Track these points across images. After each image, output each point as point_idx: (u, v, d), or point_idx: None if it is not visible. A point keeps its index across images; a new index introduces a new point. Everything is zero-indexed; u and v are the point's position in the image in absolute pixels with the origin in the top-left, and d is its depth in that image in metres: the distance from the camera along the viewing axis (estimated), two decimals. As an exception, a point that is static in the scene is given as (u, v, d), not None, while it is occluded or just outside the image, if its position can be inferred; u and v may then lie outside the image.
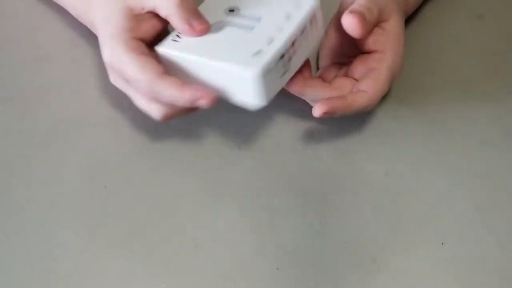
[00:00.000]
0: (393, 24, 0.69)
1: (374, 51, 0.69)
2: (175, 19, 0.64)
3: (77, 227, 0.66)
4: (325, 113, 0.66)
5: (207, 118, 0.72)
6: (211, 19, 0.65)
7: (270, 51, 0.61)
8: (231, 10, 0.66)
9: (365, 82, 0.67)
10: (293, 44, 0.63)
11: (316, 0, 0.65)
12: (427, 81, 0.76)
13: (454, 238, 0.67)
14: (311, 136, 0.72)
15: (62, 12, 0.77)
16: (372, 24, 0.68)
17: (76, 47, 0.75)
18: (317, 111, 0.66)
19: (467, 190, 0.69)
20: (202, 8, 0.66)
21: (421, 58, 0.77)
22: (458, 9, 0.81)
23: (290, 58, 0.63)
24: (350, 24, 0.66)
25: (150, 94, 0.63)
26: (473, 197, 0.69)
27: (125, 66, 0.63)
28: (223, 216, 0.67)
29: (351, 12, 0.66)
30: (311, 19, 0.64)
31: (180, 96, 0.62)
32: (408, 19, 0.79)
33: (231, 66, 0.61)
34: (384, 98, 0.74)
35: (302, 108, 0.71)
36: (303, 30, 0.64)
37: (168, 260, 0.65)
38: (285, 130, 0.72)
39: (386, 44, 0.69)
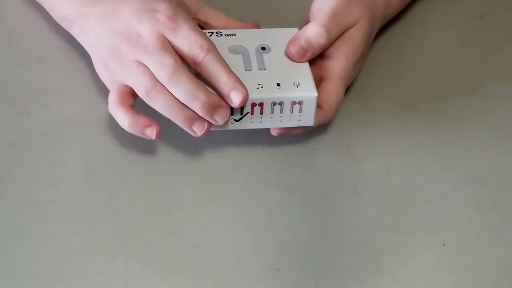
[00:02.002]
0: (354, 32, 0.69)
1: (327, 56, 0.69)
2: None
3: (77, 227, 0.66)
4: (282, 133, 0.68)
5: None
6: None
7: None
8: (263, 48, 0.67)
9: (319, 98, 0.67)
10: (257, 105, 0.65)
11: (314, 98, 0.65)
12: (427, 81, 0.76)
13: (454, 238, 0.67)
14: (311, 136, 0.72)
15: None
16: (327, 45, 0.68)
17: (75, 48, 0.75)
18: (274, 131, 0.68)
19: (467, 190, 0.69)
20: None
21: (421, 58, 0.77)
22: (458, 9, 0.81)
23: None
24: (289, 53, 0.67)
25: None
26: (474, 197, 0.69)
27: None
28: (223, 216, 0.67)
29: (294, 40, 0.67)
30: (294, 103, 0.65)
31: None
32: (408, 19, 0.79)
33: (297, 93, 0.64)
34: (384, 98, 0.74)
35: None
36: (278, 103, 0.65)
37: (167, 260, 0.64)
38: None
39: (340, 51, 0.69)
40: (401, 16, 0.79)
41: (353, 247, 0.66)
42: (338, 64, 0.68)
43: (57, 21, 0.72)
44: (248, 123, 0.66)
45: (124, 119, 0.65)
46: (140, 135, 0.65)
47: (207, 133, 0.65)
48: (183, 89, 0.63)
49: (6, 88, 0.73)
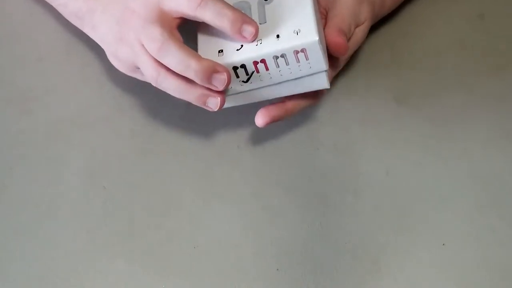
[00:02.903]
0: (359, 32, 0.70)
1: None
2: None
3: (76, 227, 0.66)
4: (267, 123, 0.66)
5: (207, 118, 0.72)
6: None
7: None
8: None
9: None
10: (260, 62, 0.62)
11: (316, 42, 0.61)
12: (427, 81, 0.76)
13: (455, 238, 0.67)
14: (311, 136, 0.72)
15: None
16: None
17: (76, 47, 0.75)
18: (260, 121, 0.66)
19: (467, 190, 0.69)
20: None
21: (421, 58, 0.77)
22: (458, 9, 0.81)
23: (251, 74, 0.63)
24: (341, 44, 0.66)
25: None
26: (474, 197, 0.69)
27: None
28: (222, 216, 0.67)
29: (340, 31, 0.66)
30: (298, 52, 0.62)
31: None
32: (408, 19, 0.79)
33: (297, 41, 0.60)
34: (384, 98, 0.74)
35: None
36: (280, 56, 0.62)
37: (167, 260, 0.65)
38: (285, 130, 0.72)
39: None
40: (401, 15, 0.79)
41: (353, 247, 0.66)
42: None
43: (69, 19, 0.72)
44: (258, 82, 0.63)
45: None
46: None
47: (223, 105, 0.63)
48: (174, 60, 0.62)
49: (6, 88, 0.73)
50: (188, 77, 0.62)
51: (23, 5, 0.76)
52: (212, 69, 0.62)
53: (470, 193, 0.69)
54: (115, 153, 0.70)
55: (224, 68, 0.62)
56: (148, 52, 0.63)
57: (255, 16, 0.63)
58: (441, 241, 0.66)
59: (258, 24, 0.63)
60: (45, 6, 0.76)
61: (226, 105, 0.64)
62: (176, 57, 0.62)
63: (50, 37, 0.73)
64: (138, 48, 0.63)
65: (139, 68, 0.65)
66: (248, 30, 0.62)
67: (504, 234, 0.67)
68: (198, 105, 0.64)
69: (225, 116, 0.72)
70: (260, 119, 0.66)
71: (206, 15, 0.62)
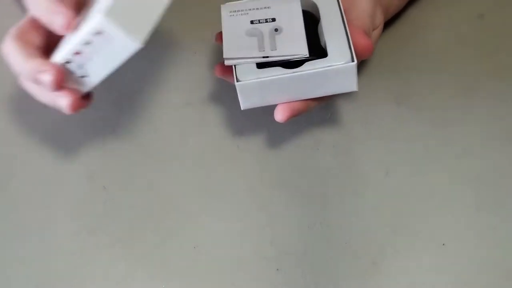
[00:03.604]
0: (374, 35, 0.71)
1: None
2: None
3: (76, 227, 0.66)
4: (288, 117, 0.66)
5: (207, 118, 0.72)
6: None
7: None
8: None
9: None
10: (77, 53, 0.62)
11: (105, 18, 0.58)
12: (427, 81, 0.76)
13: (454, 238, 0.67)
14: (311, 136, 0.72)
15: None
16: None
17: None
18: (279, 116, 0.65)
19: (467, 190, 0.69)
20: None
21: (421, 58, 0.77)
22: (458, 9, 0.81)
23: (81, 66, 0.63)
24: (368, 46, 0.66)
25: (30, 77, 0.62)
26: (474, 197, 0.69)
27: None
28: (222, 216, 0.67)
29: (366, 34, 0.66)
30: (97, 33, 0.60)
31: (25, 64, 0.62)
32: (408, 19, 0.79)
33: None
34: (384, 98, 0.74)
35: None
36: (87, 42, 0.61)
37: (167, 260, 0.65)
38: (285, 130, 0.72)
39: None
40: (400, 16, 0.79)
41: (353, 247, 0.66)
42: None
43: None
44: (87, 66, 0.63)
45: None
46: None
47: (76, 108, 0.63)
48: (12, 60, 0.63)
49: (6, 88, 0.73)
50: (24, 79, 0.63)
51: (23, 5, 0.76)
52: (37, 70, 0.62)
53: (470, 193, 0.69)
54: (115, 153, 0.70)
55: (50, 66, 0.61)
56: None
57: (267, 45, 0.65)
58: (441, 241, 0.66)
59: (270, 51, 0.64)
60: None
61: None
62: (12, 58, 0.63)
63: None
64: None
65: None
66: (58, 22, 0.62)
67: (504, 234, 0.67)
68: (50, 106, 0.64)
69: (225, 116, 0.72)
70: (280, 114, 0.65)
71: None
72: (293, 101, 0.65)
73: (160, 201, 0.68)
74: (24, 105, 0.72)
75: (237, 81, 0.63)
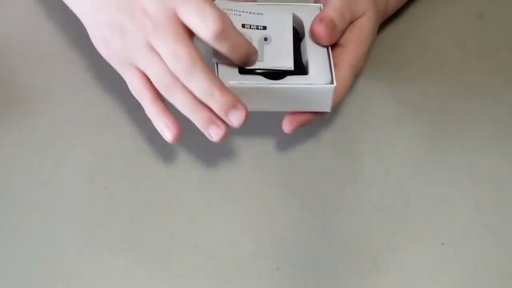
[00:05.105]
0: (363, 21, 0.69)
1: (338, 44, 0.68)
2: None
3: (77, 227, 0.66)
4: (295, 128, 0.66)
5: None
6: None
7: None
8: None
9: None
10: None
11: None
12: (427, 81, 0.76)
13: (454, 238, 0.67)
14: (311, 136, 0.72)
15: (62, 12, 0.77)
16: (342, 30, 0.67)
17: (76, 47, 0.75)
18: (287, 127, 0.66)
19: (467, 190, 0.69)
20: None
21: (421, 58, 0.77)
22: (458, 9, 0.81)
23: None
24: (319, 33, 0.65)
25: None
26: (473, 197, 0.69)
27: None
28: (223, 216, 0.67)
29: (321, 20, 0.65)
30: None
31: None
32: (407, 19, 0.79)
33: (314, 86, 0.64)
34: (384, 98, 0.74)
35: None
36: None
37: (168, 260, 0.65)
38: (285, 130, 0.72)
39: (351, 40, 0.68)
40: (400, 15, 0.79)
41: (353, 247, 0.66)
42: (348, 52, 0.67)
43: None
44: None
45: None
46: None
47: (224, 139, 0.62)
48: (199, 86, 0.60)
49: (7, 88, 0.73)
50: (208, 105, 0.61)
51: (23, 5, 0.76)
52: (233, 105, 0.61)
53: (469, 193, 0.69)
54: (116, 153, 0.70)
55: (244, 106, 0.61)
56: (161, 59, 0.60)
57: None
58: (440, 241, 0.66)
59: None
60: (45, 6, 0.76)
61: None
62: (202, 83, 0.60)
63: (51, 36, 0.73)
64: (148, 53, 0.61)
65: (135, 67, 0.62)
66: (253, 61, 0.63)
67: (504, 234, 0.67)
68: (200, 128, 0.62)
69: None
70: (288, 125, 0.65)
71: (223, 47, 0.61)
72: (300, 113, 0.66)
73: (160, 201, 0.67)
74: (24, 105, 0.72)
75: None
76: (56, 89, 0.73)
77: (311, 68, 0.65)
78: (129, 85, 0.63)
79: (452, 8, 0.81)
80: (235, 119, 0.61)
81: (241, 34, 0.62)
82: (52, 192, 0.67)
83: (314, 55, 0.66)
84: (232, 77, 0.63)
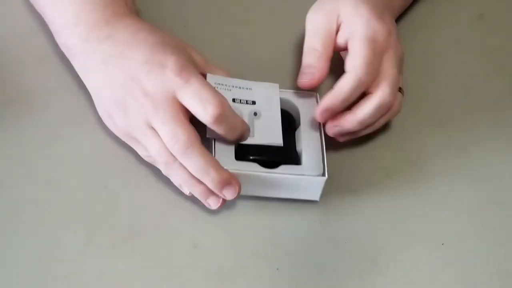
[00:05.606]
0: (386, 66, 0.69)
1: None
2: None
3: (77, 227, 0.66)
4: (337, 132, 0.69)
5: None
6: None
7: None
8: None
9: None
10: None
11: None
12: (427, 81, 0.76)
13: (454, 238, 0.67)
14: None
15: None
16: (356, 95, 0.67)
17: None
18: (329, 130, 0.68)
19: (467, 190, 0.69)
20: None
21: (421, 58, 0.77)
22: (458, 9, 0.81)
23: None
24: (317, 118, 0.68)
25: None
26: (473, 197, 0.69)
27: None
28: (222, 216, 0.67)
29: (324, 112, 0.67)
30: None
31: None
32: (408, 19, 0.79)
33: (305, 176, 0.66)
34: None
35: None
36: None
37: (167, 260, 0.65)
38: (285, 130, 0.72)
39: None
40: (400, 16, 0.79)
41: (353, 246, 0.66)
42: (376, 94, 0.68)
43: (60, 47, 0.71)
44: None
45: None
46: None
47: (222, 206, 0.65)
48: (195, 165, 0.63)
49: (7, 88, 0.73)
50: (203, 182, 0.64)
51: (23, 5, 0.76)
52: (227, 182, 0.64)
53: (469, 193, 0.69)
54: (115, 153, 0.70)
55: (237, 182, 0.64)
56: (161, 139, 0.63)
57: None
58: (440, 241, 0.66)
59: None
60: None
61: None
62: (197, 163, 0.63)
63: (50, 37, 0.73)
64: (148, 131, 0.64)
65: (138, 141, 0.66)
66: (246, 138, 0.66)
67: (504, 234, 0.67)
68: (199, 198, 0.65)
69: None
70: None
71: (221, 129, 0.64)
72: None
73: (160, 201, 0.67)
74: (24, 106, 0.72)
75: None
76: (56, 89, 0.73)
77: (305, 159, 0.66)
78: (138, 152, 0.67)
79: (452, 8, 0.81)
80: (229, 194, 0.64)
81: (237, 115, 0.65)
82: (52, 192, 0.67)
83: (308, 145, 0.67)
84: (228, 164, 0.65)
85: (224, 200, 0.65)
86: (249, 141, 0.66)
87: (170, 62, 0.64)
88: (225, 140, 0.66)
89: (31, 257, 0.64)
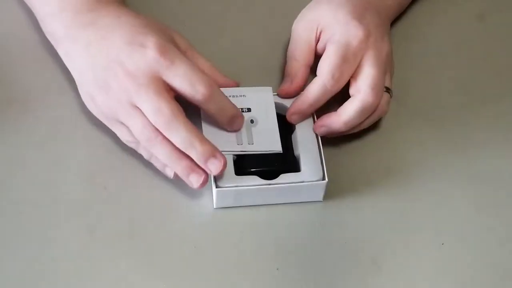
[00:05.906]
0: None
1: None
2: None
3: (77, 227, 0.66)
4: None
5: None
6: None
7: None
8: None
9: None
10: None
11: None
12: (427, 81, 0.76)
13: (454, 238, 0.67)
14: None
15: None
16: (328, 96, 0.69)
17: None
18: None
19: (467, 190, 0.69)
20: None
21: (421, 58, 0.77)
22: (458, 9, 0.81)
23: None
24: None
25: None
26: (473, 197, 0.69)
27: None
28: (222, 216, 0.67)
29: (292, 115, 0.69)
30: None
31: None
32: (408, 19, 0.79)
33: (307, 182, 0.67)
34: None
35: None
36: None
37: (168, 260, 0.65)
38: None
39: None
40: (400, 16, 0.79)
41: (352, 247, 0.66)
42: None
43: (46, 35, 0.72)
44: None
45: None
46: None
47: (203, 186, 0.65)
48: (180, 137, 0.63)
49: (6, 88, 0.73)
50: (188, 154, 0.64)
51: (23, 5, 0.76)
52: (212, 154, 0.64)
53: (469, 193, 0.69)
54: (116, 153, 0.70)
55: (222, 156, 0.64)
56: (144, 115, 0.63)
57: (244, 138, 0.68)
58: (440, 241, 0.66)
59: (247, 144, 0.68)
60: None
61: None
62: (182, 135, 0.63)
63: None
64: (131, 110, 0.64)
65: (120, 122, 0.66)
66: (238, 124, 0.67)
67: (504, 234, 0.67)
68: (181, 176, 0.65)
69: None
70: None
71: (210, 108, 0.65)
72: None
73: (160, 201, 0.67)
74: (24, 105, 0.72)
75: (216, 187, 0.65)
76: (56, 89, 0.73)
77: (303, 164, 0.67)
78: (119, 136, 0.67)
79: (452, 9, 0.81)
80: (214, 167, 0.64)
81: (227, 98, 0.66)
82: (52, 192, 0.67)
83: (305, 148, 0.68)
84: (229, 181, 0.65)
85: (206, 179, 0.64)
86: (249, 148, 0.67)
87: (150, 43, 0.64)
88: (219, 125, 0.67)
89: (31, 257, 0.64)
